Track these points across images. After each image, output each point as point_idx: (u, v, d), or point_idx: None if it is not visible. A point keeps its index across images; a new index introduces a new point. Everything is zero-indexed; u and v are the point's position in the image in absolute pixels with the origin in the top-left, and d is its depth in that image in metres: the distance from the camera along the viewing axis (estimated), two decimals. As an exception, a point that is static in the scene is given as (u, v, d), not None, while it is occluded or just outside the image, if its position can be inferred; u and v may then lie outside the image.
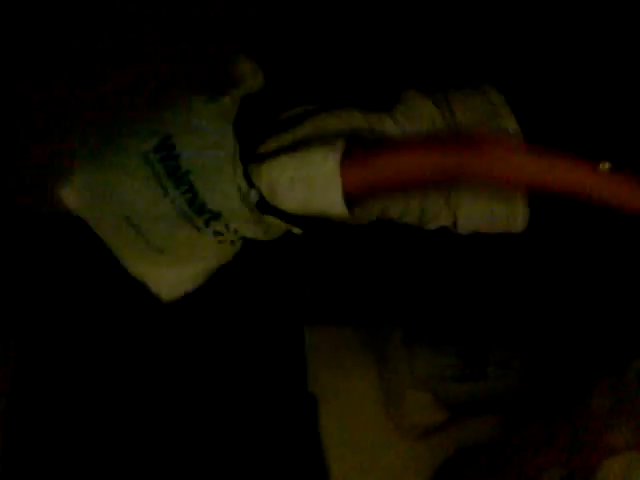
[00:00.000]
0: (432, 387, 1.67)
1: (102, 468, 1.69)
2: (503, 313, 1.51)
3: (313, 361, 1.77)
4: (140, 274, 0.99)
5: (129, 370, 1.76)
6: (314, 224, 0.98)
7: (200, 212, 0.91)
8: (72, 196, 0.96)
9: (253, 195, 0.92)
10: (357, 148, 0.93)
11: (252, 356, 1.78)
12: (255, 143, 0.97)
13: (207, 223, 0.92)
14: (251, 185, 0.92)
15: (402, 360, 1.68)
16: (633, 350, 1.06)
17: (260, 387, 1.75)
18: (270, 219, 0.95)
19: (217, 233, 0.94)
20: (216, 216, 0.92)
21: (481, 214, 1.06)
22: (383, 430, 1.75)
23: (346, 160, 0.91)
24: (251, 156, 0.95)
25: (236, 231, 0.95)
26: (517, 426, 1.35)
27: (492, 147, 0.88)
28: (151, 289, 1.00)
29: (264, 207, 0.94)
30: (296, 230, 0.99)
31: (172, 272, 0.98)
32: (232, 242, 0.97)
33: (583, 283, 1.37)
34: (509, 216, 1.07)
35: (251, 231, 0.96)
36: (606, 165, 0.91)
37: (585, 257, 1.28)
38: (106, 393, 1.75)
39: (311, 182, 0.90)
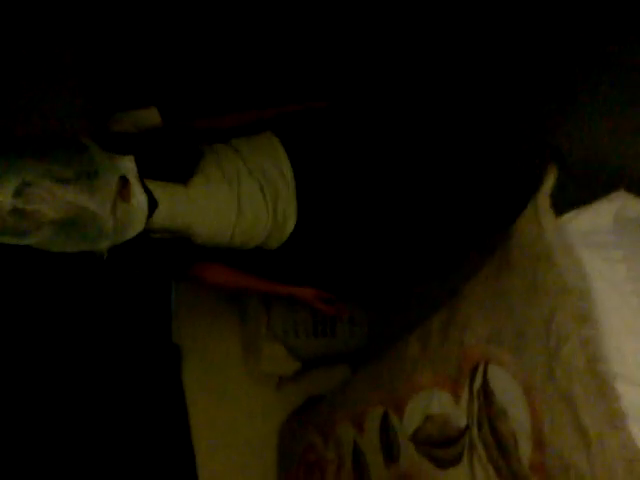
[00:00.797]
0: (287, 341, 1.84)
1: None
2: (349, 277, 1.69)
3: (179, 314, 1.88)
4: None
5: None
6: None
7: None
8: None
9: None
10: None
11: (120, 309, 1.86)
12: None
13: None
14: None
15: (260, 316, 1.84)
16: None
17: (127, 338, 1.83)
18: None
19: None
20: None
21: None
22: (241, 380, 1.90)
23: None
24: None
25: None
26: (355, 372, 1.54)
27: None
28: None
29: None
30: (127, 159, 1.26)
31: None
32: (88, 175, 1.20)
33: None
34: None
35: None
36: None
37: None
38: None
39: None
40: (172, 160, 1.32)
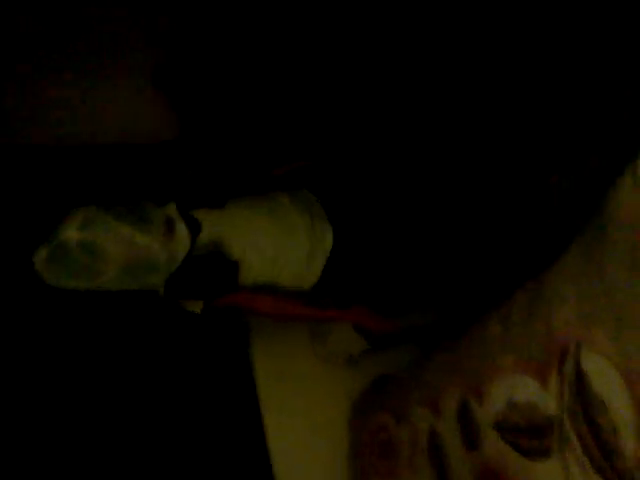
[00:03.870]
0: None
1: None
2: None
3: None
4: None
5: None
6: None
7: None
8: None
9: None
10: None
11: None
12: None
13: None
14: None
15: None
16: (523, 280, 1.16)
17: (197, 321, 1.81)
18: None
19: None
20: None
21: None
22: (309, 359, 1.86)
23: None
24: None
25: None
26: (430, 353, 1.46)
27: None
28: None
29: None
30: (170, 205, 1.45)
31: None
32: (139, 218, 1.38)
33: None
34: None
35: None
36: None
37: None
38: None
39: None
40: (208, 193, 1.56)
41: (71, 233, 1.31)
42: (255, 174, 1.65)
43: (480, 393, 1.18)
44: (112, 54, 1.78)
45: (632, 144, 0.88)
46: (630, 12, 1.48)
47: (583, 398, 0.90)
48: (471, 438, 1.21)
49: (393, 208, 1.56)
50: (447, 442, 1.30)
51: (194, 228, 1.49)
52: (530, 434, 1.03)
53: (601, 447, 0.87)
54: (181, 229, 1.47)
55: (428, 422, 1.37)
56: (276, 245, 1.55)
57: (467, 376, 1.24)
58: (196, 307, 1.52)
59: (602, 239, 0.89)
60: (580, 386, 0.91)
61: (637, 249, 0.82)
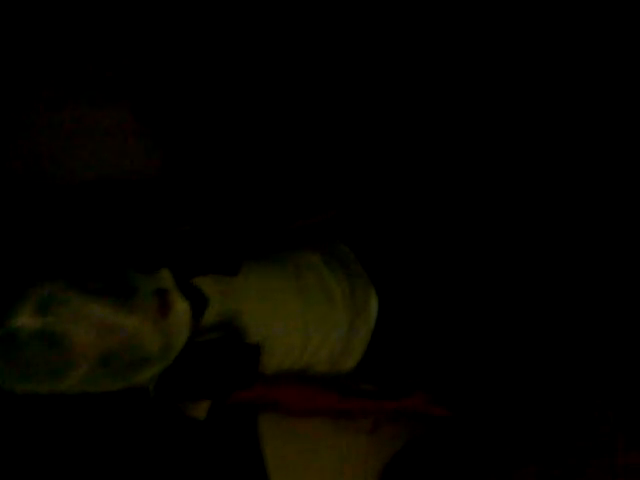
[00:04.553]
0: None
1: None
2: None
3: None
4: None
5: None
6: None
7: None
8: None
9: None
10: None
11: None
12: None
13: None
14: None
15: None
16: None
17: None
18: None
19: None
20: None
21: None
22: (328, 423, 1.63)
23: None
24: None
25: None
26: (506, 467, 1.25)
27: None
28: None
29: None
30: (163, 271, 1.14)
31: None
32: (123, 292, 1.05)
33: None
34: None
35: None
36: None
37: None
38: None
39: None
40: (215, 254, 1.22)
41: (24, 319, 0.94)
42: (273, 226, 1.34)
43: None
44: (94, 82, 1.48)
45: None
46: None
47: None
48: None
49: (453, 261, 1.28)
50: None
51: (198, 303, 1.12)
52: None
53: None
54: (179, 304, 1.09)
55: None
56: (307, 320, 1.17)
57: (565, 468, 1.06)
58: (200, 411, 1.13)
59: None
60: None
61: None
